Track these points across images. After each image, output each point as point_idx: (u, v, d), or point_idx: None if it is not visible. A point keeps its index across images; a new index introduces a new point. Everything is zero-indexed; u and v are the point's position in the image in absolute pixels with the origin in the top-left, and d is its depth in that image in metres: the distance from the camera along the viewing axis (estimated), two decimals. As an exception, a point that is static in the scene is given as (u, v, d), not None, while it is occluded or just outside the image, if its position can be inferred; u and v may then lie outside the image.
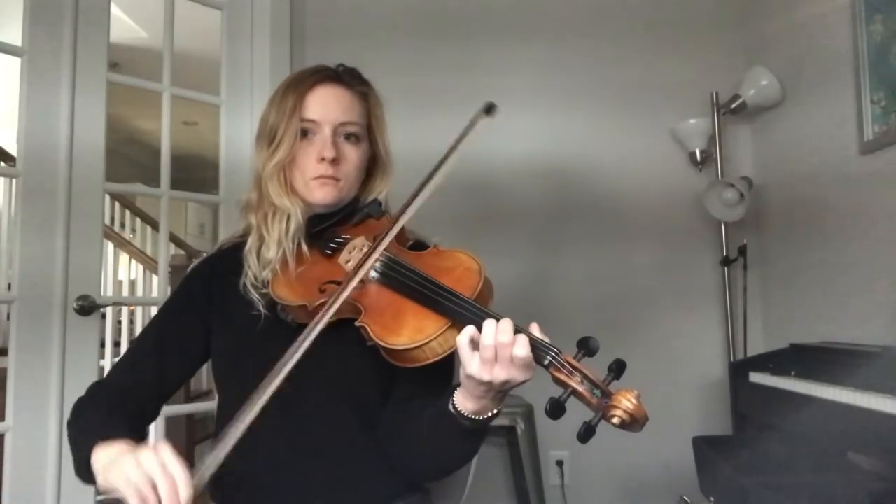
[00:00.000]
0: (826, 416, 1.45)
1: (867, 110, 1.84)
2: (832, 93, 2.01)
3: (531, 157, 2.40)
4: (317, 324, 0.91)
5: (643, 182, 2.41)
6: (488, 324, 0.87)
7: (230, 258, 1.18)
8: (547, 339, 0.90)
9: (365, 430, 1.07)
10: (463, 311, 0.91)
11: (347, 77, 1.18)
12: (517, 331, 0.87)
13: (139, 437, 0.96)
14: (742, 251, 2.22)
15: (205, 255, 1.35)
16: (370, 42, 2.35)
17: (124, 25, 4.07)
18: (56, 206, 1.79)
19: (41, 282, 1.75)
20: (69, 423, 1.06)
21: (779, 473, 1.49)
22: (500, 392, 0.90)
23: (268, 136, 1.14)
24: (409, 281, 0.97)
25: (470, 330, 0.88)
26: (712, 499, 1.63)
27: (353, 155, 1.15)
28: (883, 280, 1.79)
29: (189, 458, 3.15)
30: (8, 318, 1.86)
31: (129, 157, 6.39)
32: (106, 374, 1.17)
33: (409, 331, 0.93)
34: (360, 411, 1.08)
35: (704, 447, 1.73)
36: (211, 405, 1.23)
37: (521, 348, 0.86)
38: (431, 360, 0.93)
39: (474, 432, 0.94)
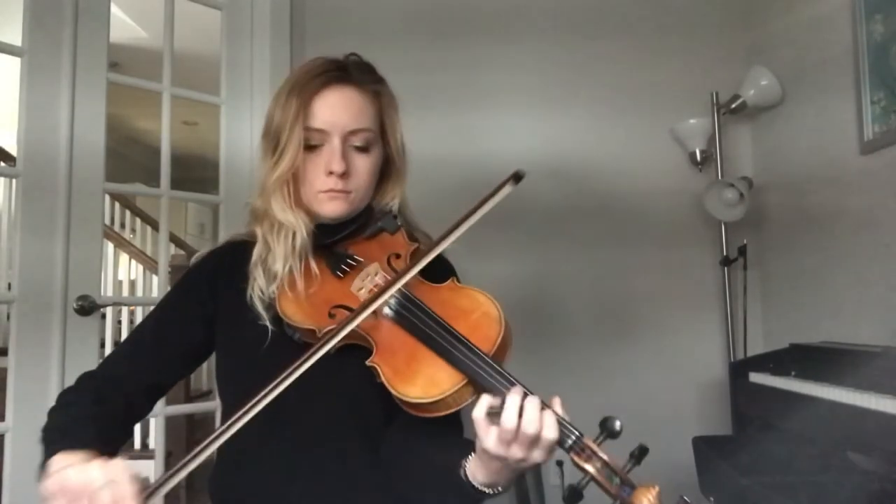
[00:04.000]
0: (826, 416, 1.45)
1: (867, 110, 1.84)
2: (832, 93, 2.01)
3: (530, 157, 2.40)
4: (318, 349, 0.87)
5: (643, 182, 2.41)
6: (512, 402, 0.80)
7: (239, 255, 1.11)
8: (568, 419, 0.83)
9: (367, 451, 1.04)
10: (482, 371, 0.86)
11: (357, 73, 1.10)
12: (542, 408, 0.81)
13: (110, 447, 0.89)
14: (742, 251, 2.22)
15: (210, 249, 1.31)
16: (370, 42, 2.32)
17: (124, 25, 4.08)
18: (56, 206, 1.79)
19: (41, 282, 1.75)
20: (49, 412, 0.98)
21: (779, 473, 1.48)
22: (514, 469, 0.85)
23: (272, 140, 1.06)
24: (424, 325, 0.92)
25: (487, 401, 0.82)
26: (712, 499, 1.63)
27: (364, 165, 1.08)
28: (883, 280, 1.79)
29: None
30: (8, 318, 1.86)
31: (129, 157, 6.39)
32: (98, 364, 1.13)
33: (423, 381, 0.89)
34: (363, 434, 1.04)
35: (704, 447, 1.73)
36: (211, 405, 1.23)
37: (551, 431, 0.80)
38: (442, 414, 0.89)
39: (479, 499, 0.90)
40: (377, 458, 1.03)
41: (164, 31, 2.04)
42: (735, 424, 2.01)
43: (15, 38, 1.77)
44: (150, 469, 2.08)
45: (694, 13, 2.48)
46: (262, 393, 0.84)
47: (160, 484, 0.78)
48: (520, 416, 0.80)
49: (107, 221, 3.78)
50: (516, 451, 0.81)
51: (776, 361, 1.81)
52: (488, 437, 0.81)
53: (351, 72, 1.09)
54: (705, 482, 1.71)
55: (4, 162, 3.42)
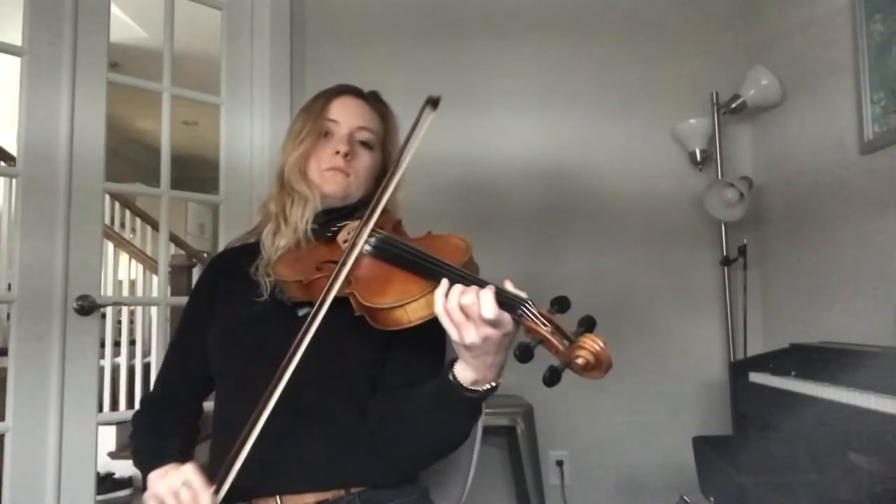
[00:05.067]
0: (826, 416, 1.45)
1: (867, 110, 1.84)
2: (832, 93, 2.01)
3: (531, 157, 2.41)
4: (329, 289, 0.97)
5: (643, 182, 2.41)
6: (454, 287, 0.91)
7: (238, 255, 1.26)
8: (522, 293, 0.92)
9: (355, 415, 1.09)
10: (449, 273, 0.95)
11: (371, 97, 1.31)
12: (484, 287, 0.90)
13: (186, 449, 1.17)
14: (742, 251, 2.22)
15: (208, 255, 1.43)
16: (370, 42, 2.35)
17: (124, 25, 4.08)
18: (56, 206, 1.79)
19: (41, 282, 1.75)
20: (130, 436, 1.21)
21: (779, 473, 1.49)
22: (489, 354, 0.93)
23: (296, 131, 1.25)
24: (400, 251, 1.03)
25: (441, 295, 0.92)
26: (712, 499, 1.63)
27: (364, 158, 1.24)
28: (883, 280, 1.79)
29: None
30: (8, 318, 1.86)
31: (129, 157, 6.38)
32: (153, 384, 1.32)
33: (395, 292, 0.97)
34: (349, 397, 1.10)
35: (704, 447, 1.73)
36: (211, 404, 1.24)
37: (487, 308, 0.88)
38: (414, 323, 0.96)
39: (472, 405, 0.98)
40: (363, 421, 1.09)
41: (164, 31, 2.04)
42: (735, 424, 2.01)
43: (15, 38, 1.77)
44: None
45: (694, 13, 2.48)
46: (296, 341, 0.95)
47: (224, 476, 0.94)
48: (458, 297, 0.90)
49: (107, 221, 3.77)
50: (475, 332, 0.89)
51: (776, 361, 1.81)
52: (450, 328, 0.91)
53: (365, 94, 1.30)
54: (705, 482, 1.70)
55: (4, 162, 3.42)
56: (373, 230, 1.05)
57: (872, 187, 1.84)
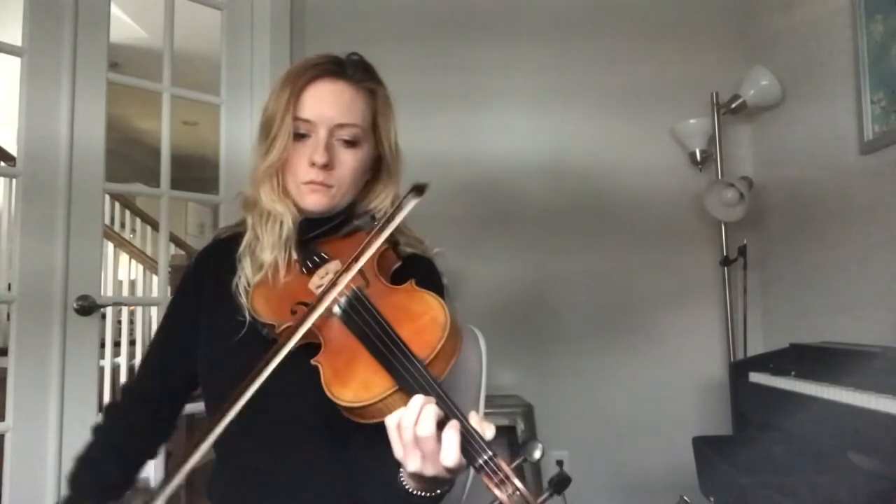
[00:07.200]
0: (826, 416, 1.45)
1: (867, 110, 1.84)
2: (832, 93, 2.01)
3: (531, 158, 2.41)
4: (279, 351, 0.87)
5: (643, 182, 2.41)
6: (411, 409, 0.77)
7: (225, 250, 1.12)
8: (487, 433, 0.76)
9: (336, 453, 1.01)
10: (411, 379, 0.81)
11: (353, 70, 1.08)
12: (448, 418, 0.76)
13: (130, 474, 1.12)
14: (742, 251, 2.22)
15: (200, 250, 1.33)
16: (370, 42, 2.33)
17: (124, 25, 4.08)
18: (56, 206, 1.79)
19: (41, 282, 1.75)
20: (84, 449, 1.13)
21: (779, 473, 1.49)
22: (435, 481, 0.80)
23: (265, 129, 1.07)
24: (367, 327, 0.89)
25: (398, 416, 0.79)
26: (712, 499, 1.63)
27: (349, 160, 1.06)
28: (883, 280, 1.79)
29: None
30: (8, 318, 1.86)
31: (129, 157, 6.38)
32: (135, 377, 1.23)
33: (357, 385, 0.86)
34: (331, 436, 1.01)
35: (704, 447, 1.73)
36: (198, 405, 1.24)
37: (448, 456, 0.74)
38: (377, 420, 0.84)
39: (427, 499, 0.85)
40: (344, 462, 1.00)
41: (164, 31, 2.04)
42: (735, 424, 2.01)
43: (15, 38, 1.77)
44: (150, 469, 2.08)
45: (694, 13, 2.48)
46: (229, 402, 0.85)
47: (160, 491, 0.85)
48: (416, 424, 0.76)
49: (107, 221, 3.77)
50: (418, 462, 0.77)
51: (776, 361, 1.81)
52: (397, 447, 0.79)
53: (346, 68, 1.08)
54: (705, 482, 1.71)
55: (4, 162, 3.42)
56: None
57: (872, 187, 1.84)
